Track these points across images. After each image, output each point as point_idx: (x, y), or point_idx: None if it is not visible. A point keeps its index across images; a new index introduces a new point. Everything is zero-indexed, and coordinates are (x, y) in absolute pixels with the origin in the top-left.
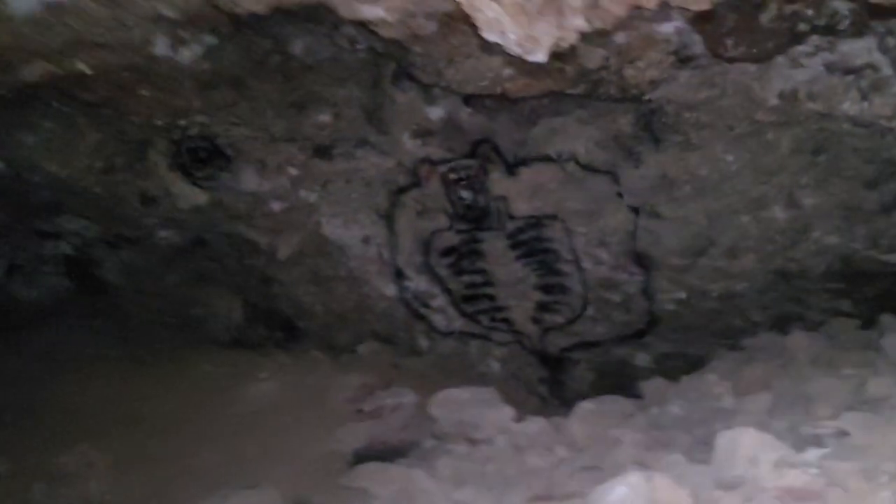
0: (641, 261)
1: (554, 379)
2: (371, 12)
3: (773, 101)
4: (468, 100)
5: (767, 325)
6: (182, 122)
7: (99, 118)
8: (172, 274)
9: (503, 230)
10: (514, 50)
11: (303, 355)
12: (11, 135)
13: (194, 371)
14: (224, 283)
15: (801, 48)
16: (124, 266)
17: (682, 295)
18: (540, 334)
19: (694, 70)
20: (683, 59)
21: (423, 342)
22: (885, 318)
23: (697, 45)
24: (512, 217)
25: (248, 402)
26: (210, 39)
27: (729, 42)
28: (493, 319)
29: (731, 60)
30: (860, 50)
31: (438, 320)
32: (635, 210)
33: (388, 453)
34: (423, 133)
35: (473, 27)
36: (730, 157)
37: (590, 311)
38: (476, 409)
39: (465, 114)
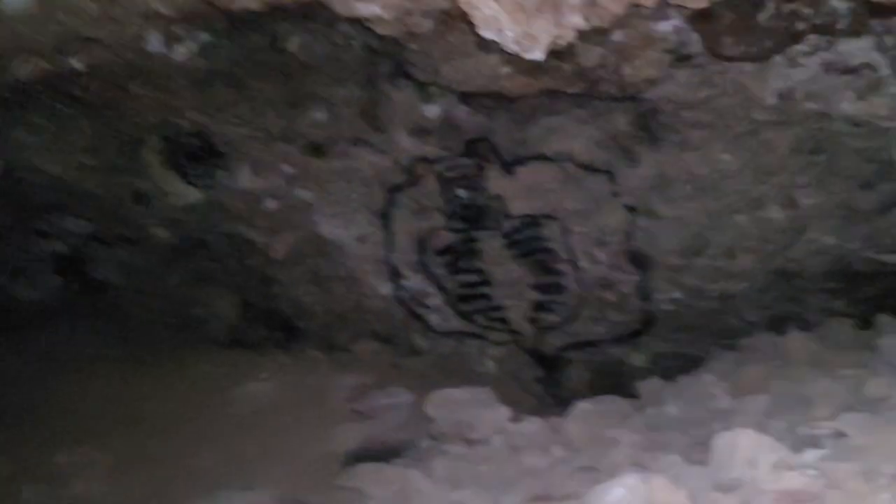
0: (638, 260)
1: (550, 378)
2: (367, 9)
3: (772, 101)
4: (465, 98)
5: (764, 325)
6: (175, 120)
7: (92, 115)
8: (170, 273)
9: (500, 229)
10: (512, 48)
11: (302, 355)
12: (2, 132)
13: (193, 371)
14: (223, 283)
15: (799, 47)
16: (121, 265)
17: (679, 295)
18: (536, 334)
19: (692, 69)
20: (681, 58)
21: (421, 342)
22: (883, 319)
23: (695, 43)
24: (508, 216)
25: (247, 402)
26: (204, 36)
27: (727, 41)
28: (489, 319)
29: (729, 59)
30: (858, 49)
31: (435, 320)
32: (632, 209)
33: (383, 453)
34: (420, 131)
35: (470, 25)
36: (728, 157)
37: (586, 310)
38: (472, 409)
39: (461, 112)
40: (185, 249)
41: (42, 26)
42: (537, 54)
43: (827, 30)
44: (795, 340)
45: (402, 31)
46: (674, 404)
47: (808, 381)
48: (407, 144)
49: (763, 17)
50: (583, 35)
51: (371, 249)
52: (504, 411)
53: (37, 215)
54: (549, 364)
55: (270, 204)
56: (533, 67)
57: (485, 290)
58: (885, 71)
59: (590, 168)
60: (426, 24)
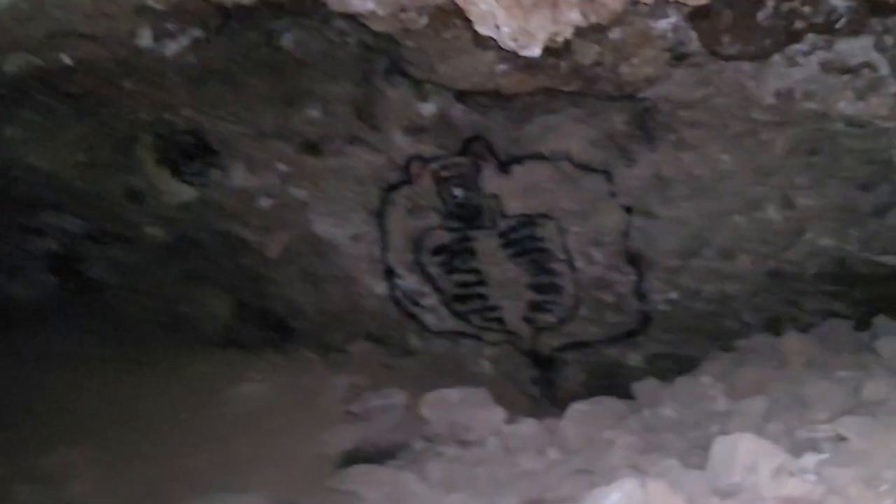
0: (634, 261)
1: (546, 379)
2: (361, 5)
3: (769, 100)
4: (461, 96)
5: (760, 326)
6: (169, 117)
7: (83, 111)
8: (164, 272)
9: (495, 229)
10: (508, 44)
11: (296, 355)
12: None
13: (187, 371)
14: (217, 282)
15: (797, 46)
16: (115, 264)
17: (676, 295)
18: (532, 334)
19: (689, 68)
20: (679, 57)
21: (415, 342)
22: (879, 321)
23: (693, 42)
24: (504, 215)
25: (241, 402)
26: (197, 32)
27: (725, 39)
28: (484, 319)
29: (727, 58)
30: (857, 49)
31: (430, 319)
32: (629, 209)
33: (377, 455)
34: (415, 129)
35: (466, 21)
36: (725, 157)
37: (582, 310)
38: (467, 410)
39: (457, 110)
40: (179, 248)
41: (32, 21)
42: (534, 51)
43: (826, 29)
44: (793, 342)
45: (396, 27)
46: (670, 406)
47: (805, 384)
48: (402, 143)
49: (762, 15)
50: (580, 32)
51: (366, 249)
52: (499, 412)
53: (31, 213)
54: (545, 364)
55: (265, 202)
56: (529, 65)
57: (480, 289)
58: (884, 71)
59: (586, 167)
60: (421, 21)
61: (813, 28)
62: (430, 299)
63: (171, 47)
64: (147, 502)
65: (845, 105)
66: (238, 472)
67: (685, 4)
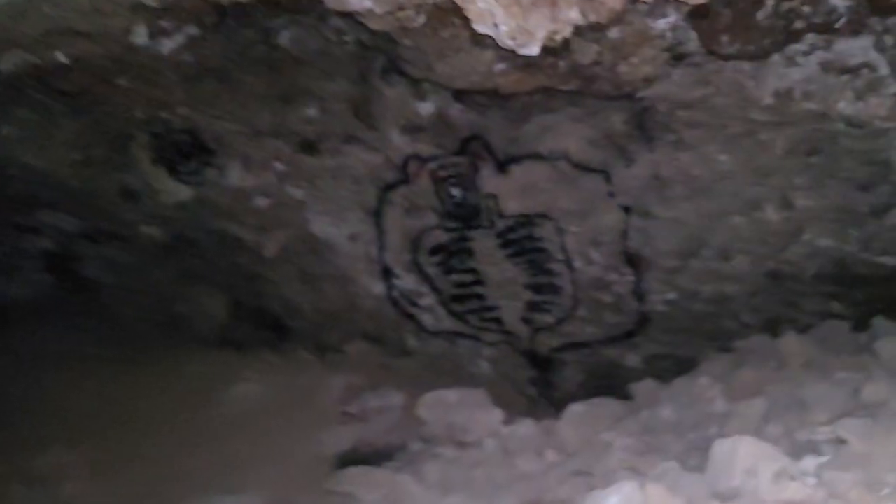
0: (633, 261)
1: (543, 379)
2: (358, 3)
3: (768, 101)
4: (459, 95)
5: (759, 327)
6: (165, 115)
7: (78, 109)
8: (158, 271)
9: (493, 229)
10: (507, 43)
11: (291, 355)
12: None
13: (181, 371)
14: (211, 281)
15: (797, 46)
16: (109, 263)
17: (674, 296)
18: (530, 334)
19: (688, 67)
20: (678, 56)
21: (412, 342)
22: (878, 322)
23: (692, 41)
24: (503, 215)
25: (235, 403)
26: (193, 30)
27: (724, 39)
28: (482, 319)
29: (726, 58)
30: (857, 49)
31: (427, 320)
32: (627, 210)
33: (373, 457)
34: (413, 129)
35: (465, 20)
36: (723, 157)
37: (580, 311)
38: (465, 411)
39: (455, 109)
40: (176, 247)
41: (28, 19)
42: (533, 50)
43: (825, 29)
44: (791, 343)
45: (394, 25)
46: (668, 407)
47: (804, 385)
48: (400, 142)
49: (761, 15)
50: (579, 31)
51: (363, 248)
52: (497, 414)
53: (27, 212)
54: (543, 365)
55: (261, 201)
56: (528, 64)
57: (478, 290)
58: (884, 71)
59: (584, 167)
60: (419, 19)
61: (812, 28)
62: (428, 299)
63: (167, 45)
64: (143, 503)
65: (845, 105)
66: (234, 472)
67: (685, 3)
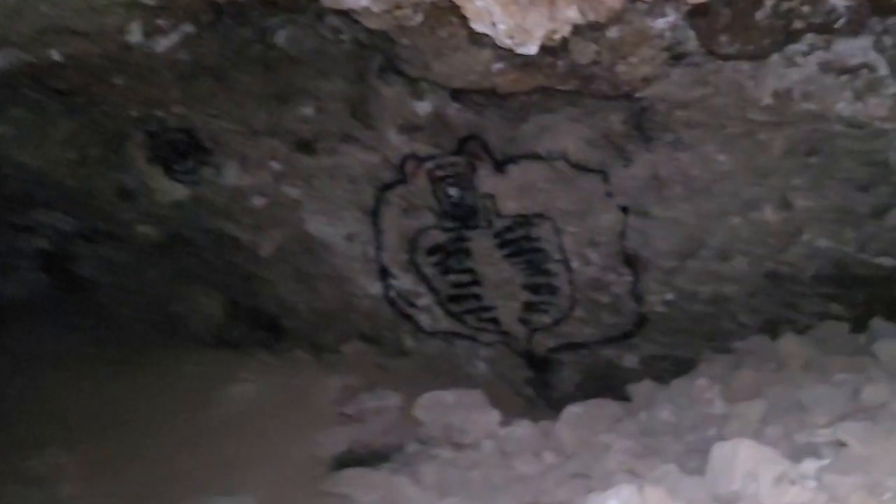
0: (631, 261)
1: (540, 380)
2: (355, 2)
3: (767, 101)
4: (456, 95)
5: (757, 327)
6: (160, 114)
7: (72, 107)
8: (154, 270)
9: (491, 229)
10: (505, 42)
11: (287, 355)
12: None
13: (176, 371)
14: (206, 281)
15: (796, 46)
16: (103, 262)
17: (671, 296)
18: (527, 335)
19: (687, 67)
20: (677, 56)
21: (409, 342)
22: (877, 323)
23: (691, 41)
24: (500, 215)
25: (230, 404)
26: (188, 28)
27: (723, 39)
28: (479, 319)
29: (725, 58)
30: (856, 49)
31: (424, 320)
32: (625, 210)
33: (370, 458)
34: (410, 128)
35: (462, 18)
36: (722, 158)
37: (578, 311)
38: (462, 412)
39: (452, 109)
40: (171, 247)
41: (22, 17)
42: (531, 49)
43: (825, 29)
44: (790, 344)
45: (391, 24)
46: (667, 408)
47: (803, 387)
48: (397, 141)
49: (761, 14)
50: (578, 30)
51: (360, 248)
52: (494, 415)
53: (22, 211)
54: (540, 365)
55: (258, 201)
56: (526, 63)
57: (476, 290)
58: (883, 71)
59: (582, 167)
60: (416, 18)
61: (812, 28)
62: (425, 299)
63: (162, 43)
64: None
65: (843, 106)
66: (230, 474)
67: (684, 3)
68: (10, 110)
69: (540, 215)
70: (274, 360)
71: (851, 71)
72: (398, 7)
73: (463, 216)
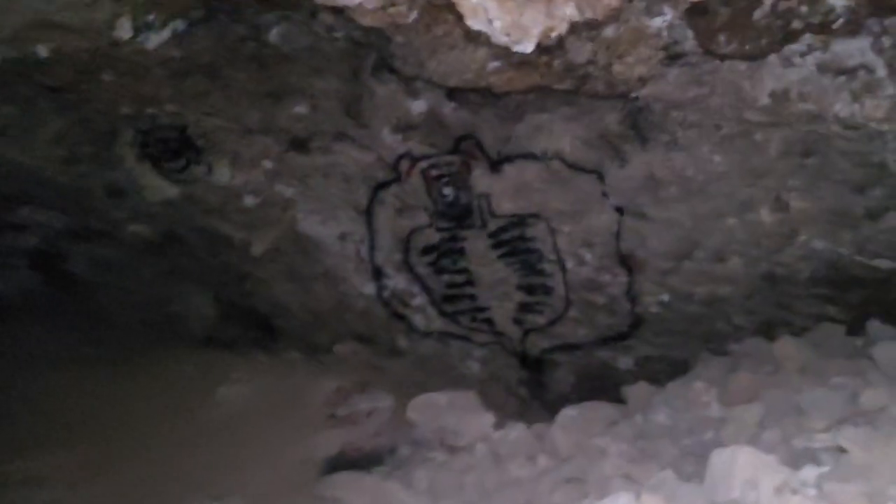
0: (626, 262)
1: (535, 381)
2: None
3: (764, 101)
4: (451, 93)
5: (752, 329)
6: (151, 111)
7: (60, 104)
8: (145, 269)
9: (485, 229)
10: (501, 39)
11: (279, 355)
12: None
13: (169, 372)
14: (198, 280)
15: (794, 47)
16: (96, 260)
17: (667, 298)
18: (521, 335)
19: (683, 67)
20: (673, 56)
21: (403, 342)
22: (874, 326)
23: (689, 40)
24: (495, 215)
25: (222, 405)
26: (179, 24)
27: (721, 38)
28: (473, 320)
29: (722, 58)
30: (854, 50)
31: (418, 320)
32: (620, 210)
33: (362, 461)
34: (404, 127)
35: (458, 16)
36: (717, 158)
37: (573, 312)
38: (455, 414)
39: (447, 108)
40: (163, 245)
41: (7, 11)
42: (527, 46)
43: (823, 29)
44: (786, 346)
45: (386, 21)
46: (663, 411)
47: (801, 390)
48: (391, 140)
49: (759, 14)
50: (574, 28)
51: (353, 248)
52: (488, 417)
53: (12, 209)
54: (535, 366)
55: (250, 200)
56: (522, 62)
57: (470, 290)
58: (881, 73)
59: (578, 167)
60: (411, 15)
61: (810, 28)
62: (419, 300)
63: (153, 39)
64: None
65: (841, 107)
66: (221, 476)
67: (682, 1)
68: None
69: (535, 215)
70: (267, 361)
71: (849, 72)
72: (392, 4)
73: (457, 216)
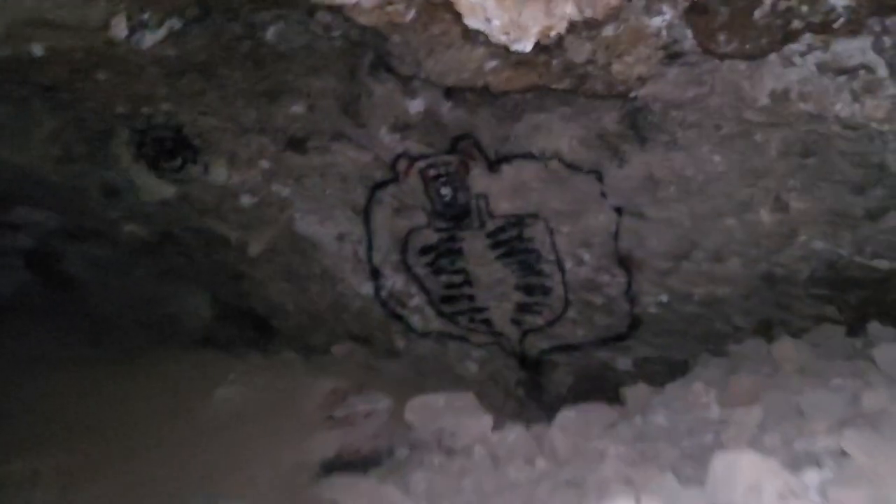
0: (624, 262)
1: (533, 381)
2: None
3: (764, 101)
4: (449, 93)
5: (751, 330)
6: (146, 111)
7: (55, 103)
8: (141, 270)
9: (483, 229)
10: (499, 38)
11: (275, 356)
12: None
13: (164, 373)
14: (194, 280)
15: (794, 46)
16: (89, 260)
17: (665, 298)
18: (520, 336)
19: (683, 67)
20: (673, 55)
21: (400, 343)
22: (874, 327)
23: (688, 40)
24: (493, 215)
25: (216, 407)
26: (175, 23)
27: (721, 37)
28: (472, 320)
29: (722, 57)
30: (854, 50)
31: (415, 321)
32: (619, 210)
33: (359, 463)
34: (402, 127)
35: (456, 15)
36: (717, 158)
37: (571, 313)
38: (453, 416)
39: (445, 108)
40: (159, 245)
41: (1, 10)
42: (526, 46)
43: (823, 29)
44: (786, 347)
45: (383, 20)
46: (662, 413)
47: (801, 392)
48: (389, 140)
49: (759, 13)
50: (573, 27)
51: (350, 248)
52: (486, 419)
53: (6, 209)
54: (533, 367)
55: (246, 200)
56: (520, 61)
57: (468, 290)
58: (882, 73)
59: (576, 167)
60: (408, 14)
61: (810, 28)
62: (417, 300)
63: (148, 38)
64: None
65: (841, 107)
66: (216, 479)
67: (682, 0)
68: None
69: (533, 215)
70: (263, 361)
71: (850, 72)
72: (390, 2)
73: (455, 216)
